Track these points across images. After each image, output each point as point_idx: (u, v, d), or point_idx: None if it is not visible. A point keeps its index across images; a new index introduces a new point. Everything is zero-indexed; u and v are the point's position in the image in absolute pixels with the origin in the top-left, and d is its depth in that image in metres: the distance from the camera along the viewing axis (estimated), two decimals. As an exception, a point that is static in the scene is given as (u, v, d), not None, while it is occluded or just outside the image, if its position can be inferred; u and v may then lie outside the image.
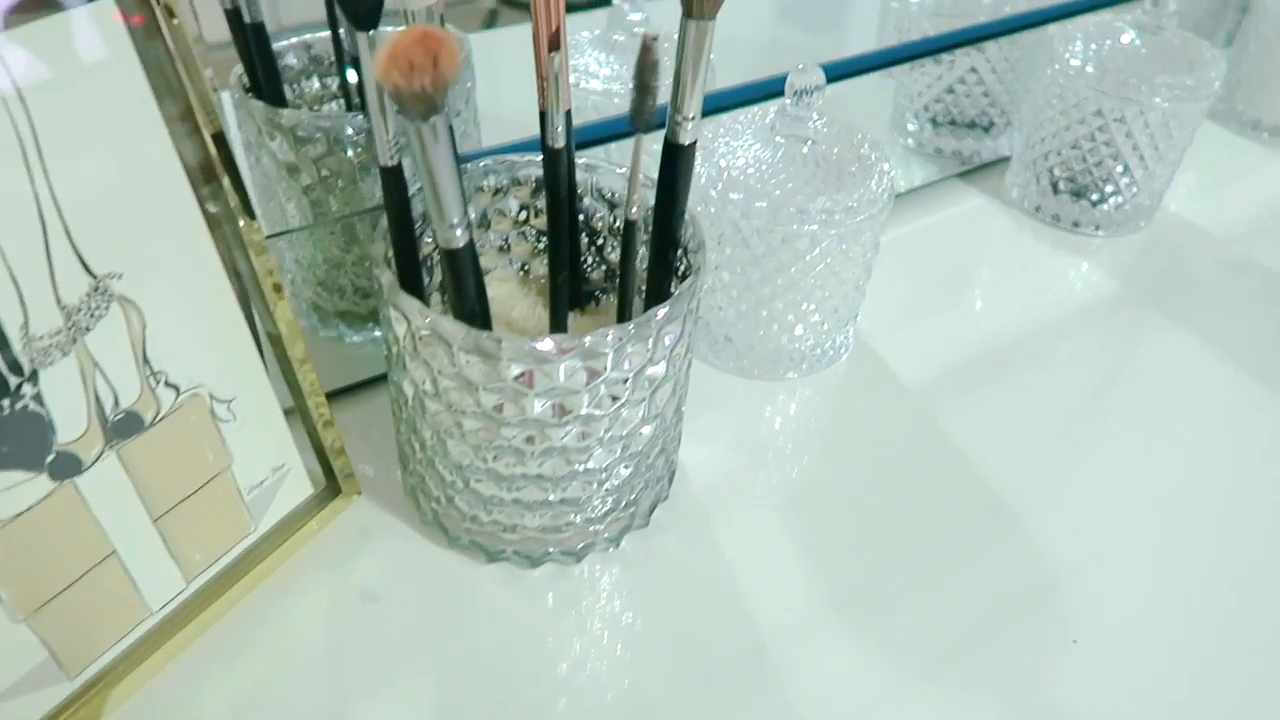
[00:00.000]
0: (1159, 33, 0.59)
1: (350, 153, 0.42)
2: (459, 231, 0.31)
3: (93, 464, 0.31)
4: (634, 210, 0.34)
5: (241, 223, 0.33)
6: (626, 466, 0.37)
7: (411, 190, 0.35)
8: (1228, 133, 0.76)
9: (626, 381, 0.34)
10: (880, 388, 0.51)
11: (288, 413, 0.38)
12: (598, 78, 0.52)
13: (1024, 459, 0.47)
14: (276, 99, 0.42)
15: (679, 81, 0.32)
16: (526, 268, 0.44)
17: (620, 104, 0.51)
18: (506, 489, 0.36)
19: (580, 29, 0.54)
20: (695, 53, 0.32)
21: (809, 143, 0.46)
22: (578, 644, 0.38)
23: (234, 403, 0.35)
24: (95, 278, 0.30)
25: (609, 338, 0.32)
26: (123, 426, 0.32)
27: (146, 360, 0.32)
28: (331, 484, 0.41)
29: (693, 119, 0.33)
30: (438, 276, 0.40)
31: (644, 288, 0.38)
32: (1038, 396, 0.51)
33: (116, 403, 0.31)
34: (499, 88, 0.49)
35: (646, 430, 0.37)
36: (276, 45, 0.43)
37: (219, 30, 0.40)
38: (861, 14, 0.71)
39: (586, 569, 0.40)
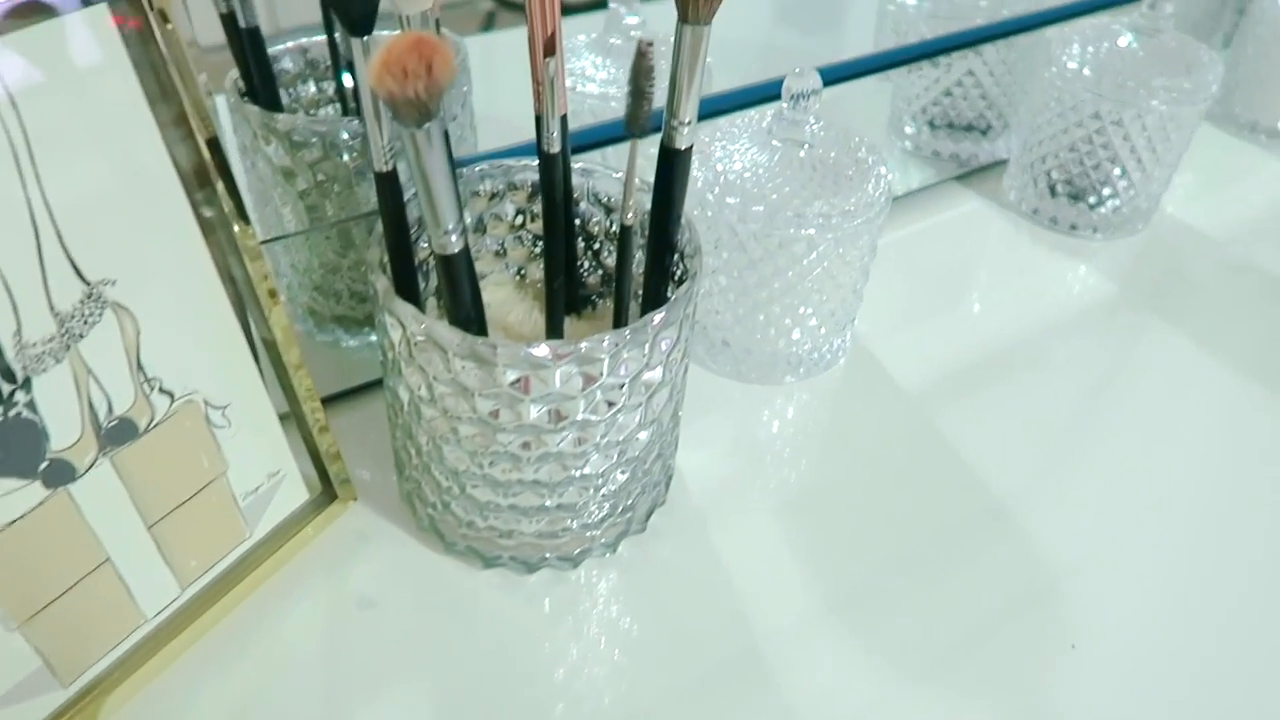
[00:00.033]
0: (1156, 35, 0.59)
1: (346, 157, 0.42)
2: (454, 237, 0.31)
3: (86, 471, 0.31)
4: (629, 216, 0.34)
5: (236, 228, 0.33)
6: (623, 472, 0.37)
7: (407, 195, 0.35)
8: (1225, 135, 0.76)
9: (623, 387, 0.34)
10: (878, 391, 0.51)
11: (283, 418, 0.38)
12: (594, 81, 0.51)
13: (1022, 462, 0.47)
14: (272, 103, 0.42)
15: (675, 86, 0.32)
16: (523, 272, 0.44)
17: (617, 108, 0.51)
18: (503, 494, 0.36)
19: (577, 32, 0.54)
20: (691, 57, 0.32)
21: (806, 146, 0.46)
22: (575, 649, 0.38)
23: (229, 409, 0.35)
24: (88, 284, 0.29)
25: (605, 343, 0.32)
26: (117, 433, 0.31)
27: (140, 367, 0.32)
28: (327, 489, 0.41)
29: (689, 123, 0.33)
30: (433, 281, 0.40)
31: (641, 292, 0.38)
32: (1036, 399, 0.51)
33: (110, 409, 0.31)
34: (497, 90, 0.49)
35: (643, 435, 0.37)
36: (273, 49, 0.43)
37: (214, 33, 0.40)
38: (859, 17, 0.71)
39: (583, 574, 0.40)
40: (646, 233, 0.37)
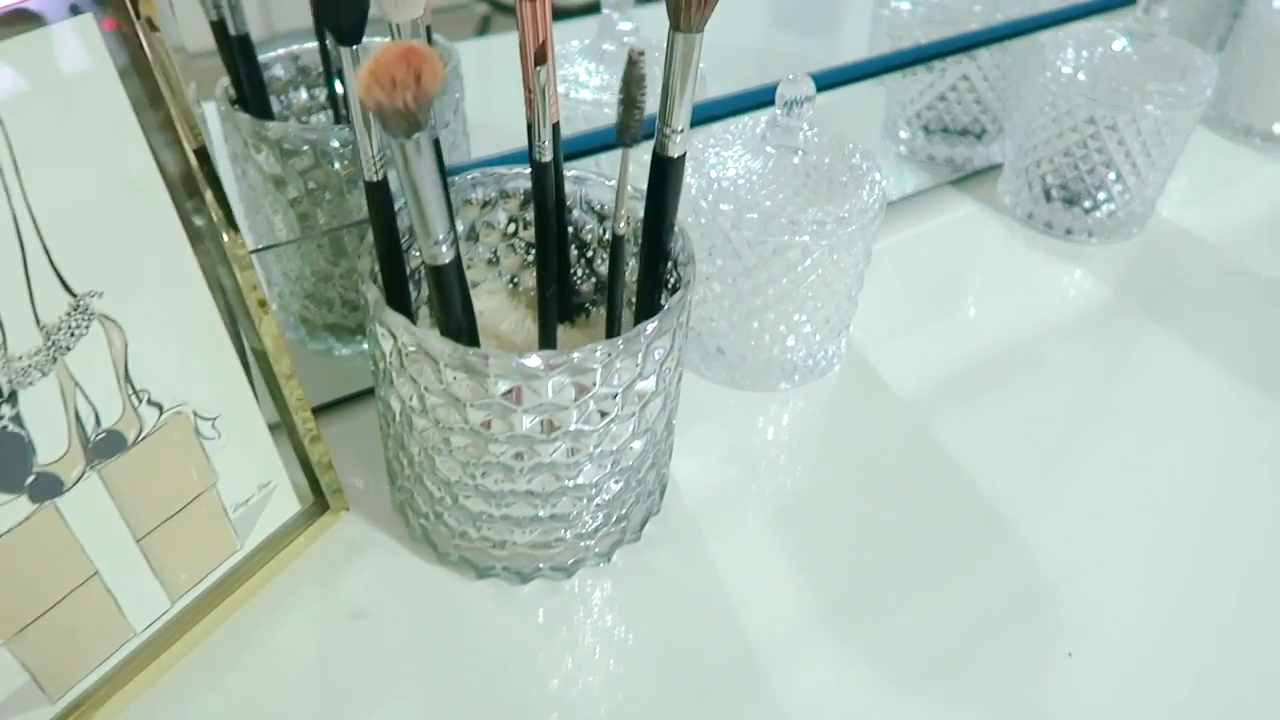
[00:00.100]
0: (1150, 39, 0.59)
1: (337, 165, 0.42)
2: (444, 248, 0.30)
3: (74, 485, 0.31)
4: (621, 225, 0.34)
5: (225, 237, 0.33)
6: (617, 481, 0.37)
7: (397, 205, 0.35)
8: (1220, 138, 0.76)
9: (616, 397, 0.34)
10: (873, 397, 0.51)
11: (274, 428, 0.38)
12: (587, 87, 0.51)
13: (1018, 467, 0.47)
14: (263, 111, 0.41)
15: (667, 94, 0.32)
16: (516, 280, 0.43)
17: (610, 114, 0.51)
18: (495, 505, 0.36)
19: (570, 38, 0.54)
20: (683, 65, 0.31)
21: (800, 153, 0.46)
22: (569, 659, 0.37)
23: (219, 420, 0.35)
24: (75, 296, 0.29)
25: (597, 353, 0.32)
26: (104, 446, 0.31)
27: (128, 379, 0.31)
28: (319, 500, 0.41)
29: (681, 131, 0.33)
30: (425, 290, 0.40)
31: (634, 300, 0.38)
32: (1031, 404, 0.51)
33: (98, 422, 0.31)
34: (492, 96, 0.49)
35: (637, 445, 0.36)
36: (263, 56, 0.42)
37: (204, 39, 0.39)
38: (853, 21, 0.71)
39: (577, 584, 0.40)
40: (640, 240, 0.36)
